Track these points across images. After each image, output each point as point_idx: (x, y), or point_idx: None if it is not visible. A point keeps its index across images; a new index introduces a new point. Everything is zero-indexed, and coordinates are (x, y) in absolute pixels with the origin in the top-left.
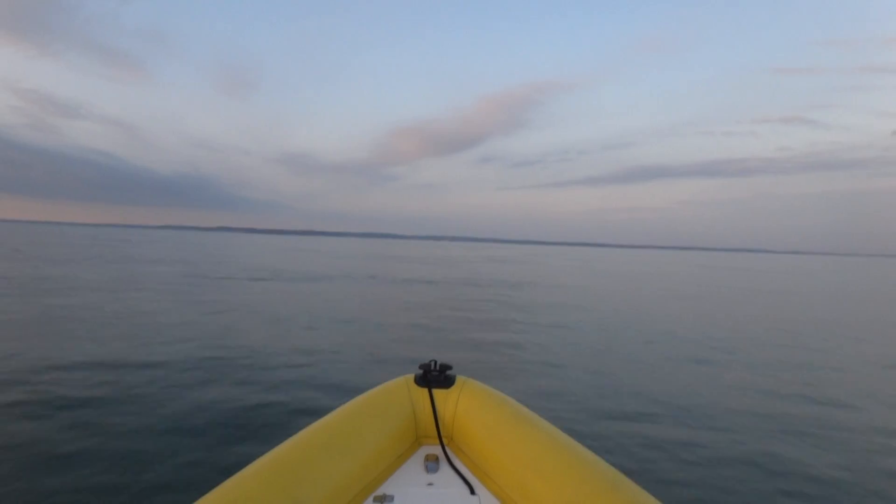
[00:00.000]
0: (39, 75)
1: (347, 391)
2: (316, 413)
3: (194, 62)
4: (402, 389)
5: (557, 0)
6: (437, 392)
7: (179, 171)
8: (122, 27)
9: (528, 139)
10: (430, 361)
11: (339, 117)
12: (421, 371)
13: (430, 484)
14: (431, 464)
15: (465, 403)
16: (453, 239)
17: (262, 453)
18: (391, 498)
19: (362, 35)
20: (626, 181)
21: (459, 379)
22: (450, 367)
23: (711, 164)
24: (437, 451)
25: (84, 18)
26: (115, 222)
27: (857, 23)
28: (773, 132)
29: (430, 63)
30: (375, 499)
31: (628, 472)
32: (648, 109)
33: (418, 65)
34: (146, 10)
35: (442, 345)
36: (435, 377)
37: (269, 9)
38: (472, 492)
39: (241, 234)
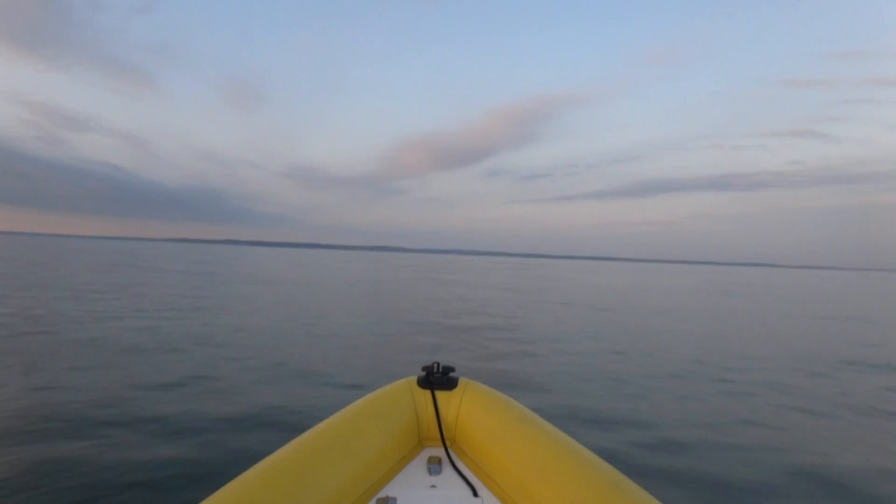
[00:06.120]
0: (49, 88)
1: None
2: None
3: (202, 75)
4: (404, 391)
5: (567, 13)
6: (439, 394)
7: (187, 185)
8: (132, 41)
9: (536, 153)
10: (433, 363)
11: (346, 130)
12: (424, 373)
13: (433, 486)
14: (434, 466)
15: (467, 405)
16: (460, 252)
17: (266, 455)
18: (394, 500)
19: (369, 47)
20: (635, 195)
21: (462, 381)
22: (452, 369)
23: (721, 178)
24: (440, 453)
25: (94, 32)
26: (123, 235)
27: (870, 34)
28: (783, 146)
29: (438, 76)
30: (378, 501)
31: (631, 475)
32: (658, 123)
33: (426, 77)
34: (155, 23)
35: None
36: (438, 379)
37: (276, 21)
38: (475, 494)
39: (248, 248)
